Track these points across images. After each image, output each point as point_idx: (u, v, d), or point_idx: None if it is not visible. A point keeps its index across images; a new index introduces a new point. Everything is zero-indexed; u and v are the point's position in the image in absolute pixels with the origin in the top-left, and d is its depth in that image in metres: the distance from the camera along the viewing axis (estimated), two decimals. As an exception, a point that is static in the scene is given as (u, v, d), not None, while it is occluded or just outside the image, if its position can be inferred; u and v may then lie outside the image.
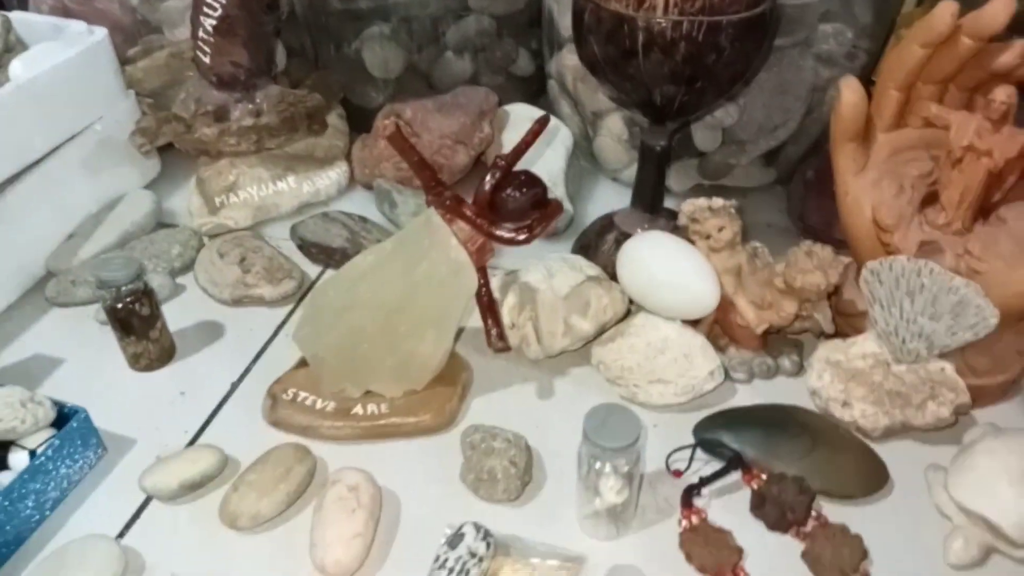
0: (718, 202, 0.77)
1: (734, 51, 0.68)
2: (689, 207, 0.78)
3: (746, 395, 0.77)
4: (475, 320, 0.84)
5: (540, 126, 0.64)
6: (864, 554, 0.61)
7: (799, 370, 0.78)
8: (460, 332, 0.83)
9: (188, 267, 0.94)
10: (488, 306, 0.70)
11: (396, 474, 0.69)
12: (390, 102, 1.05)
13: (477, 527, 0.61)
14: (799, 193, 0.96)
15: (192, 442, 0.74)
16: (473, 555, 0.59)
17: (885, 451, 0.69)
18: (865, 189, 0.73)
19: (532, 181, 0.63)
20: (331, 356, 0.73)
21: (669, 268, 0.74)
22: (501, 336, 0.70)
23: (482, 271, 0.69)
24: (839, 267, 0.71)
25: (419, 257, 0.66)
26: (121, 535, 0.66)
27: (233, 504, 0.65)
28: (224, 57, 0.93)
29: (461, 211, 0.64)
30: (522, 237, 0.62)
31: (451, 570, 0.58)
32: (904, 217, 0.71)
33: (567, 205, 0.97)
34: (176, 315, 0.87)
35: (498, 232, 0.63)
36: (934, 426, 0.69)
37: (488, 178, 0.63)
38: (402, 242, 0.67)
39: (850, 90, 0.70)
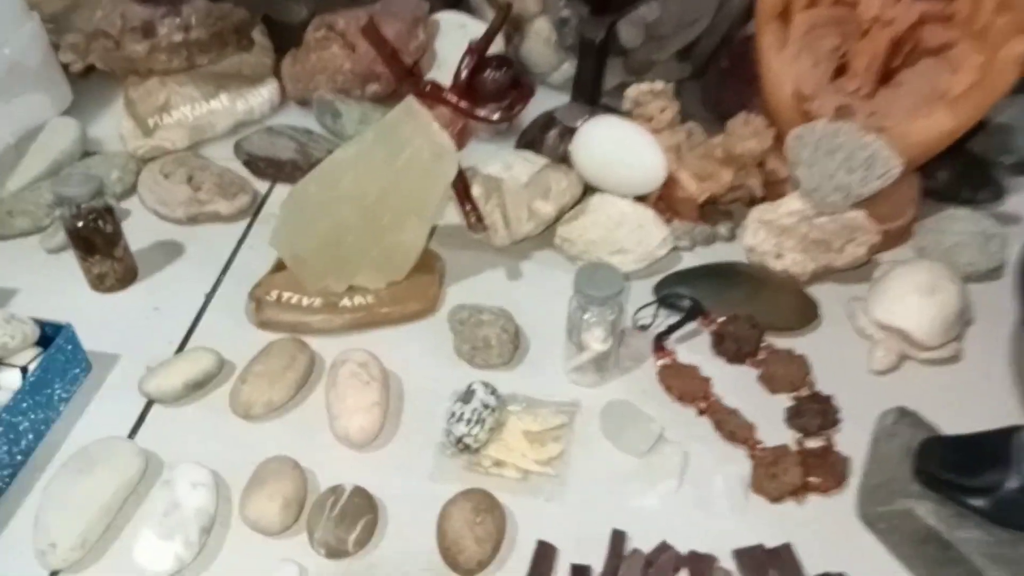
0: (659, 85, 0.84)
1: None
2: (634, 91, 0.85)
3: (690, 260, 0.86)
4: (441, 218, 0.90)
5: (507, 9, 0.69)
6: (808, 370, 0.72)
7: (733, 235, 0.88)
8: (434, 230, 0.87)
9: (130, 192, 0.92)
10: (465, 190, 0.74)
11: (392, 356, 0.74)
12: (316, 14, 1.04)
13: (485, 384, 0.67)
14: (715, 82, 1.05)
15: (180, 350, 0.75)
16: (486, 406, 0.65)
17: (814, 291, 0.80)
18: (786, 64, 0.82)
19: (507, 62, 0.67)
20: (313, 254, 0.75)
21: (623, 147, 0.81)
22: (479, 217, 0.75)
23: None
24: (770, 133, 0.81)
25: (402, 144, 0.70)
26: (130, 437, 0.67)
27: (245, 394, 0.67)
28: (146, -32, 0.90)
29: (442, 96, 0.67)
30: (502, 115, 0.67)
31: (468, 420, 0.64)
32: (821, 86, 0.81)
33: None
34: (129, 239, 0.85)
35: (481, 113, 0.67)
36: (851, 265, 0.80)
37: (464, 63, 0.67)
38: (383, 131, 0.70)
39: (773, -29, 0.78)
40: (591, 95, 0.93)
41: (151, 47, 0.91)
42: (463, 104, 0.67)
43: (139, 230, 0.88)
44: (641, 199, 0.86)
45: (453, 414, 0.65)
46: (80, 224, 0.75)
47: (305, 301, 0.76)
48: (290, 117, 1.04)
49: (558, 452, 0.66)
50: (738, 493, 0.63)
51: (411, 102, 0.69)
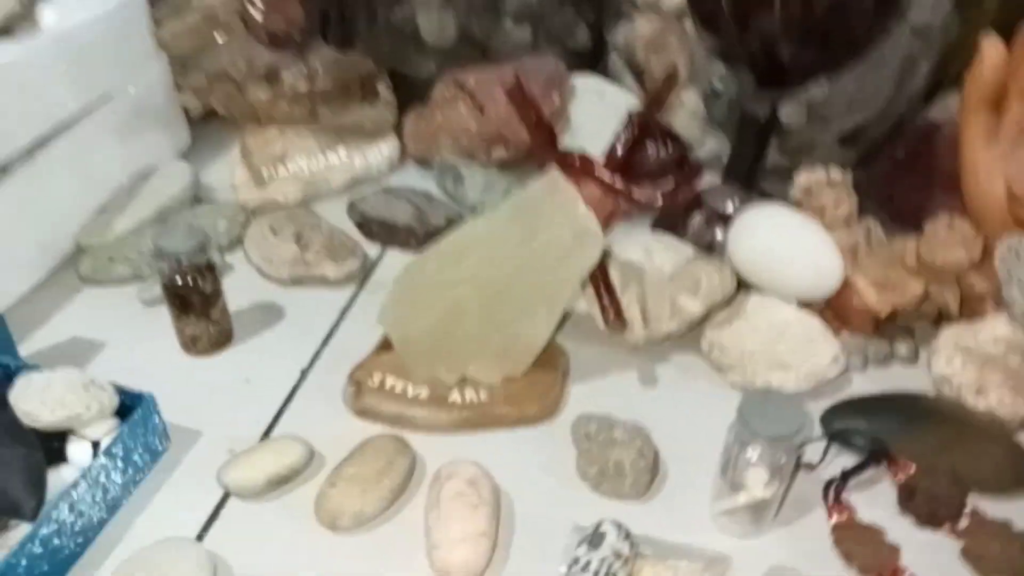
0: (836, 175, 0.72)
1: (873, 12, 0.63)
2: (805, 179, 0.73)
3: (861, 382, 0.72)
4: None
5: (674, 76, 0.58)
6: (1034, 551, 0.56)
7: (915, 356, 0.73)
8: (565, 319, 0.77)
9: (235, 245, 0.86)
10: (604, 280, 0.63)
11: (503, 467, 0.63)
12: (444, 72, 0.98)
13: (618, 525, 0.54)
14: (887, 174, 0.91)
15: (266, 434, 0.66)
16: (618, 556, 0.53)
17: (1026, 441, 0.65)
18: (997, 160, 0.68)
19: (674, 137, 0.57)
20: (425, 338, 0.66)
21: (791, 243, 0.69)
22: (619, 314, 0.64)
23: (599, 244, 0.62)
24: (979, 244, 0.67)
25: (540, 224, 0.60)
26: (199, 537, 0.58)
27: (333, 501, 0.57)
28: (278, 13, 0.85)
29: (594, 172, 0.57)
30: (665, 199, 0.56)
31: (596, 572, 0.52)
32: (1044, 190, 0.67)
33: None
34: (228, 295, 0.79)
35: (639, 194, 0.56)
36: (1080, 414, 0.64)
37: (622, 135, 0.57)
38: (520, 207, 0.61)
39: (993, 50, 0.65)
40: (748, 178, 0.81)
41: (274, 94, 0.86)
42: (619, 183, 0.56)
43: (240, 288, 0.81)
44: (806, 305, 0.73)
45: (576, 561, 0.53)
46: (178, 281, 0.68)
47: (411, 391, 0.66)
48: (408, 178, 0.97)
49: (706, 625, 0.52)
50: None
51: (556, 177, 0.59)
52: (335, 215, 0.89)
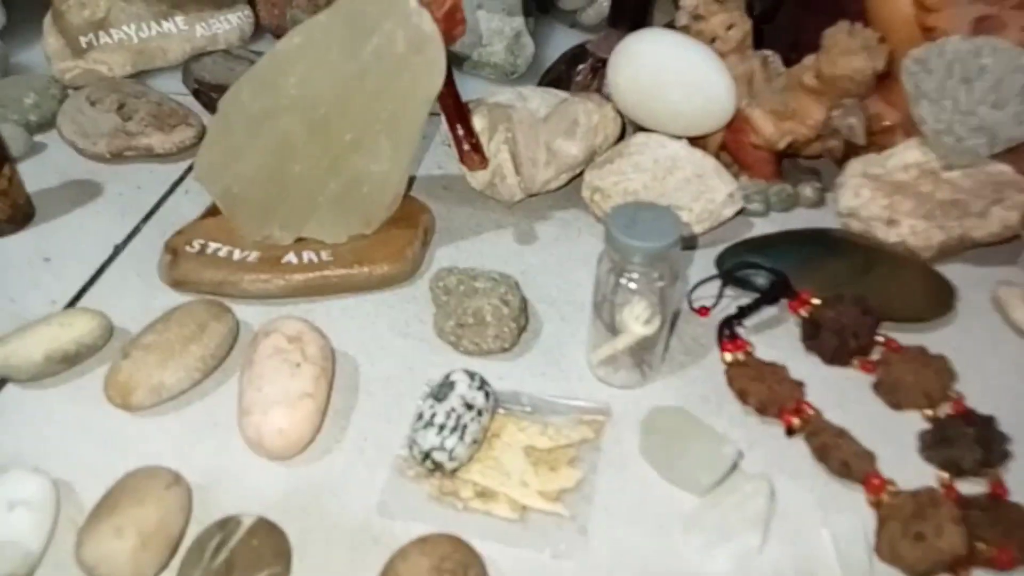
0: (728, -8, 0.63)
1: None
2: (692, 1, 0.63)
3: (764, 228, 0.63)
4: (424, 166, 0.69)
5: None
6: (952, 377, 0.49)
7: (821, 198, 0.66)
8: (412, 180, 0.67)
9: (48, 124, 0.73)
10: (455, 106, 0.53)
11: (348, 333, 0.53)
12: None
13: (470, 374, 0.45)
14: (791, 18, 0.83)
15: (63, 314, 0.55)
16: (469, 407, 0.43)
17: (944, 272, 0.58)
18: (904, -37, 0.60)
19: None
20: (250, 188, 0.55)
21: (677, 68, 0.60)
22: (476, 146, 0.54)
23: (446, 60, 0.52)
24: (884, 51, 0.58)
25: (366, 29, 0.49)
26: (-39, 430, 0.47)
27: (124, 374, 0.46)
28: None
29: (423, -45, 0.47)
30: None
31: (441, 427, 0.42)
32: (954, -8, 0.59)
33: (527, 40, 0.81)
34: (35, 176, 0.66)
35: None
36: (999, 236, 0.58)
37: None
38: (342, 12, 0.50)
39: None
40: (633, 20, 0.71)
41: (81, -59, 0.73)
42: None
43: (50, 168, 0.68)
44: (699, 143, 0.64)
45: (420, 416, 0.44)
46: (-57, 140, 0.56)
47: (237, 254, 0.55)
48: (264, 48, 0.84)
49: (575, 482, 0.44)
50: (859, 559, 0.40)
51: (381, -36, 0.48)
52: (177, 92, 0.77)
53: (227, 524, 0.39)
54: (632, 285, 0.46)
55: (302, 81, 0.50)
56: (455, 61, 0.81)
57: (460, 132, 0.53)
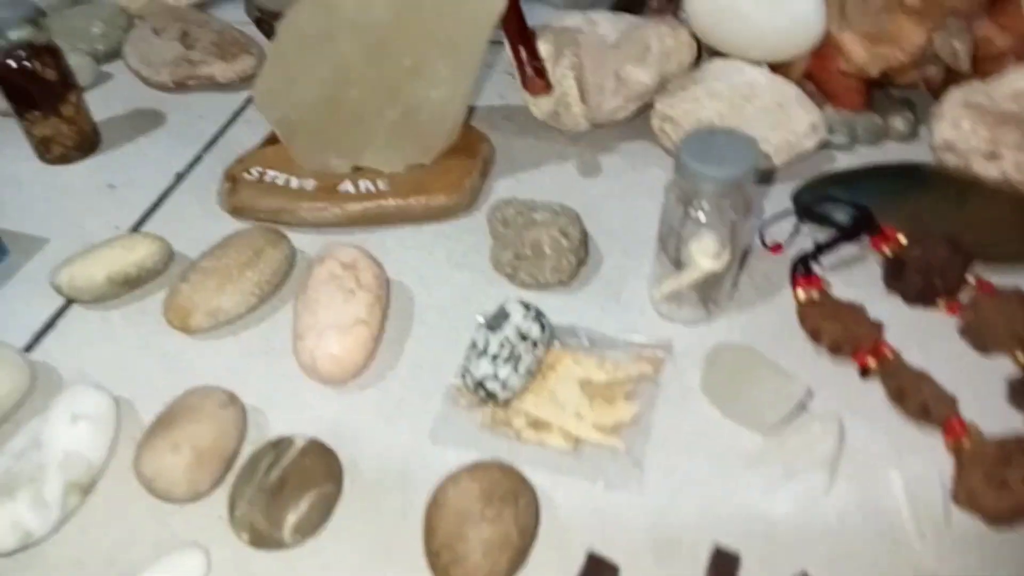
0: (817, -99, 0.57)
1: None
2: (777, -89, 0.58)
3: (848, 163, 0.59)
4: (486, 96, 0.66)
5: None
6: (1051, 322, 0.45)
7: (914, 131, 0.61)
8: (471, 111, 0.64)
9: (115, 53, 0.73)
10: (519, 30, 0.51)
11: (404, 263, 0.52)
12: None
13: (525, 304, 0.44)
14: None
15: (127, 239, 0.55)
16: (524, 337, 0.42)
17: (1046, 210, 0.53)
18: None
19: None
20: (308, 115, 0.54)
21: (759, -17, 0.55)
22: (540, 71, 0.51)
23: (511, -22, 0.49)
24: (996, -36, 0.53)
25: (425, -58, 0.47)
26: (29, 348, 0.48)
27: (183, 298, 0.47)
28: None
29: None
30: None
31: (495, 357, 0.41)
32: None
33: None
34: (102, 105, 0.67)
35: None
36: (1116, 172, 0.52)
37: None
38: (399, -75, 0.47)
39: None
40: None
41: None
42: None
43: (117, 96, 0.69)
44: (780, 70, 0.60)
45: (475, 345, 0.42)
46: (12, 64, 0.56)
47: (295, 183, 0.55)
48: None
49: (632, 416, 0.42)
50: (933, 504, 0.37)
51: None
52: (240, 21, 0.76)
53: (280, 444, 0.39)
54: (702, 217, 0.43)
55: (359, 3, 0.49)
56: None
57: (523, 55, 0.51)
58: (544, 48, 0.58)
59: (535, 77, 0.51)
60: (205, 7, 0.78)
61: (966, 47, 0.56)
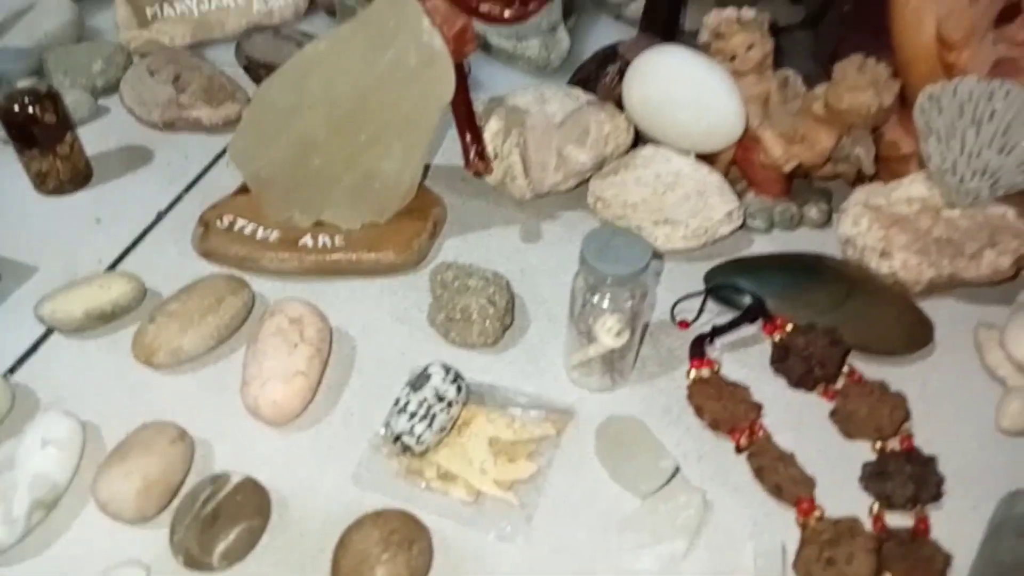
0: (748, 13, 0.64)
1: None
2: (714, 19, 0.65)
3: (764, 246, 0.66)
4: (447, 153, 0.73)
5: None
6: (906, 414, 0.51)
7: (827, 220, 0.67)
8: (428, 168, 0.71)
9: (113, 88, 0.79)
10: (466, 116, 0.57)
11: (351, 315, 0.58)
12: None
13: (446, 367, 0.50)
14: (832, 31, 0.82)
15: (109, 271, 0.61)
16: (440, 398, 0.48)
17: (927, 307, 0.59)
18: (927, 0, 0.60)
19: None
20: (276, 174, 0.60)
21: (689, 85, 0.62)
22: (482, 154, 0.58)
23: (460, 72, 0.56)
24: (894, 88, 0.59)
25: (384, 43, 0.53)
26: (12, 370, 0.54)
27: (150, 336, 0.53)
28: None
29: (437, -23, 0.50)
30: (511, 11, 0.49)
31: (412, 415, 0.47)
32: (976, 31, 0.59)
33: (563, 35, 0.83)
34: (96, 138, 0.73)
35: (483, 7, 0.49)
36: (988, 279, 0.58)
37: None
38: (363, 24, 0.54)
39: None
40: (665, 27, 0.73)
41: (151, -80, 0.78)
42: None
43: (110, 131, 0.75)
44: (708, 160, 0.66)
45: (397, 401, 0.49)
46: (15, 108, 0.63)
47: (260, 232, 0.61)
48: (316, 27, 0.89)
49: (530, 474, 0.48)
50: (773, 573, 0.44)
51: (399, -16, 0.52)
52: (230, 63, 0.82)
53: (218, 479, 0.45)
54: (604, 303, 0.49)
55: (325, 83, 0.55)
56: (491, 52, 0.84)
57: (468, 139, 0.57)
58: (495, 124, 0.65)
59: (477, 159, 0.57)
60: (199, 49, 0.85)
61: (869, 153, 0.63)
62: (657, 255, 0.62)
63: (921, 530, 0.45)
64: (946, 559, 0.43)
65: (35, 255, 0.62)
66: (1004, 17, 0.59)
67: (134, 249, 0.64)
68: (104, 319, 0.56)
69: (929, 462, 0.48)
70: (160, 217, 0.67)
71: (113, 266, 0.62)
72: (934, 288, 0.60)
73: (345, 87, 0.55)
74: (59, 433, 0.47)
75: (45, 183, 0.67)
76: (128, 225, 0.66)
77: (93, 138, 0.72)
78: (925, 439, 0.51)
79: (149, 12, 0.82)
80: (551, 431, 0.51)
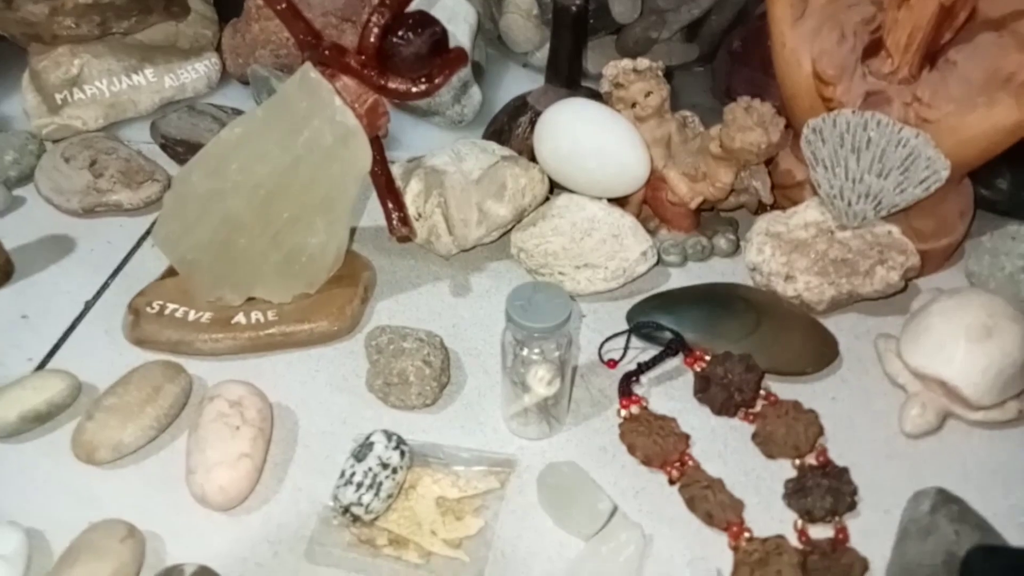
0: (643, 63, 0.68)
1: None
2: (612, 70, 0.69)
3: (680, 279, 0.70)
4: (372, 216, 0.75)
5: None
6: (819, 430, 0.55)
7: (736, 249, 0.72)
8: (354, 231, 0.73)
9: (27, 177, 0.79)
10: (386, 184, 0.59)
11: (290, 388, 0.59)
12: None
13: (388, 435, 0.52)
14: (725, 67, 0.88)
15: (39, 370, 0.61)
16: (385, 466, 0.50)
17: (832, 324, 0.64)
18: (804, 39, 0.65)
19: (427, 20, 0.52)
20: (202, 256, 0.61)
21: (594, 137, 0.66)
22: (404, 220, 0.60)
23: (376, 143, 0.58)
24: (780, 124, 0.64)
25: (298, 125, 0.55)
26: (-53, 484, 0.54)
27: (89, 433, 0.53)
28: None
29: (344, 62, 0.52)
30: (420, 88, 0.51)
31: (359, 485, 0.49)
32: (847, 67, 0.64)
33: (475, 90, 0.86)
34: (14, 231, 0.72)
35: (391, 84, 0.52)
36: (882, 293, 0.64)
37: (373, 21, 0.52)
38: (276, 108, 0.56)
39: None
40: (568, 76, 0.77)
41: (52, 9, 0.78)
42: (368, 72, 0.52)
43: (28, 222, 0.75)
44: (620, 203, 0.70)
45: (343, 473, 0.50)
46: (-73, 212, 0.62)
47: (192, 315, 0.62)
48: (229, 97, 0.90)
49: (477, 530, 0.50)
50: (710, 601, 0.47)
51: (307, 70, 0.54)
52: (147, 141, 0.83)
53: (172, 572, 0.46)
54: (533, 355, 0.52)
55: (243, 167, 0.56)
56: (406, 108, 0.87)
57: (390, 206, 0.59)
58: (415, 185, 0.67)
59: (400, 225, 0.60)
60: (113, 129, 0.85)
61: (765, 185, 0.68)
62: (589, 302, 0.65)
63: (840, 540, 0.49)
64: (864, 565, 0.47)
65: (-40, 360, 0.62)
66: (869, 53, 0.65)
67: (64, 343, 0.63)
68: (40, 420, 0.56)
69: (843, 473, 0.52)
70: (88, 307, 0.66)
71: (44, 363, 0.62)
72: (835, 305, 0.65)
73: (264, 170, 0.56)
74: (3, 547, 0.47)
75: (-36, 284, 0.66)
76: (56, 319, 0.65)
77: (11, 231, 0.72)
78: (839, 451, 0.55)
79: (59, 97, 0.82)
80: (495, 484, 0.53)
